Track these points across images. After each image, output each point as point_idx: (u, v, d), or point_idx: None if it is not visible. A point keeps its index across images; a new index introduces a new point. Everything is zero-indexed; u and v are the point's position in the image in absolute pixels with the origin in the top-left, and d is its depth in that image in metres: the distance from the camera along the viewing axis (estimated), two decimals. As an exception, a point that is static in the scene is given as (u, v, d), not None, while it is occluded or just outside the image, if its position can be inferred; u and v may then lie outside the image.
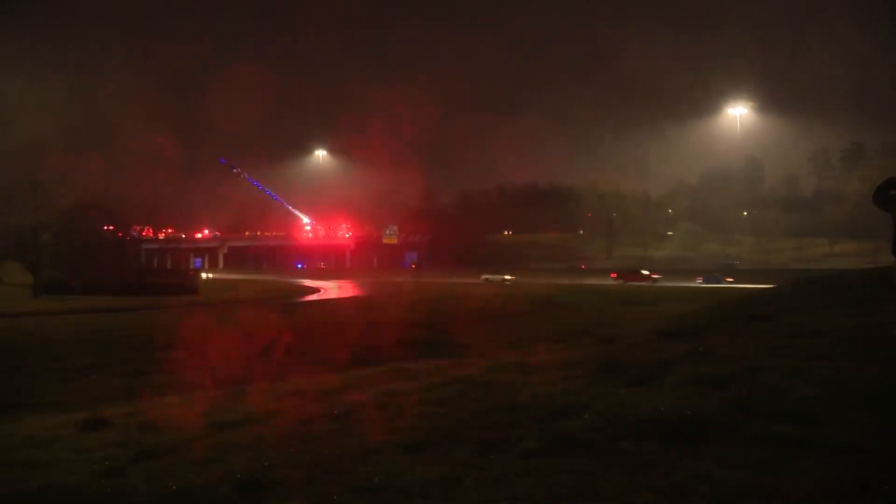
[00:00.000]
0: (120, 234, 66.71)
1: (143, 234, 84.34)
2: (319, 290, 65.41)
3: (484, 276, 78.32)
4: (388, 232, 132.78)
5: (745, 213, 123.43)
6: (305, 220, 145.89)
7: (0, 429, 10.00)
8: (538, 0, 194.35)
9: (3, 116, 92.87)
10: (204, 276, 72.77)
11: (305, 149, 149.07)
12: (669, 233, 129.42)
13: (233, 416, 9.04)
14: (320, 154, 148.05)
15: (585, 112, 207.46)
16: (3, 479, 6.70)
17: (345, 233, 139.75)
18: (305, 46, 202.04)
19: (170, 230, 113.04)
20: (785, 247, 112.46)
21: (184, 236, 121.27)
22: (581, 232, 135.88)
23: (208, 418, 8.98)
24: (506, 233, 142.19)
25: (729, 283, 62.42)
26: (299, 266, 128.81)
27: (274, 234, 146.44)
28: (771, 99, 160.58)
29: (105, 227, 64.76)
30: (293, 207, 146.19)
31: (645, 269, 77.89)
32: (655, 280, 71.48)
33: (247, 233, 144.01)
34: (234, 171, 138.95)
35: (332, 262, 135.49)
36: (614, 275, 73.53)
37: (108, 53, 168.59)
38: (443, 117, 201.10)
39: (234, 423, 8.56)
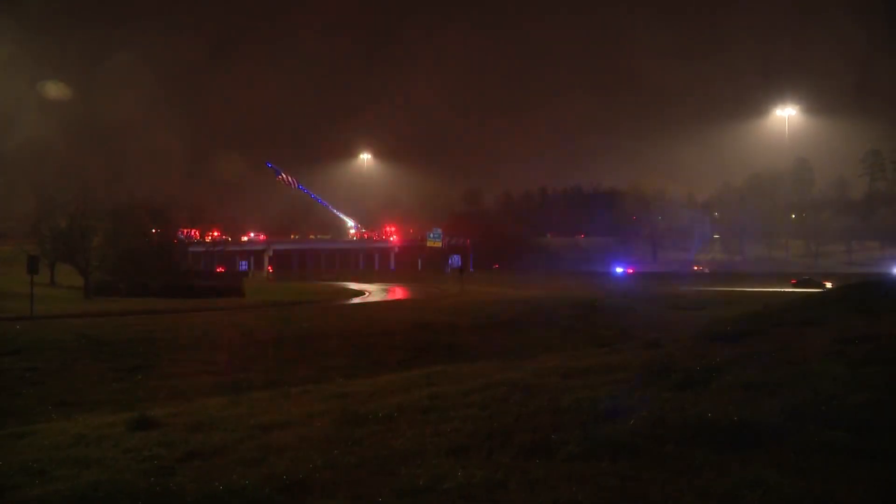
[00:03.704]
0: (167, 237, 67.62)
1: (191, 236, 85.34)
2: (365, 294, 65.77)
3: None
4: (431, 235, 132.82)
5: (794, 216, 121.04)
6: (350, 223, 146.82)
7: (52, 427, 10.20)
8: (577, 6, 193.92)
9: (48, 120, 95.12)
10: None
11: (350, 152, 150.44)
12: (716, 235, 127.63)
13: (277, 417, 9.11)
14: (365, 157, 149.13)
15: (630, 115, 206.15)
16: (55, 476, 6.84)
17: (389, 236, 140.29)
18: (349, 52, 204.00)
19: (216, 233, 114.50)
20: (835, 250, 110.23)
21: (230, 239, 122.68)
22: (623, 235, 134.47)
23: (253, 420, 9.06)
24: (548, 235, 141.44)
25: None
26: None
27: (319, 236, 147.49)
28: (820, 100, 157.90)
29: (153, 230, 65.76)
30: (338, 211, 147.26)
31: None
32: None
33: (293, 236, 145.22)
34: (280, 178, 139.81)
35: (375, 265, 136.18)
36: None
37: (155, 56, 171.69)
38: (486, 121, 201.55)
39: (278, 424, 8.63)
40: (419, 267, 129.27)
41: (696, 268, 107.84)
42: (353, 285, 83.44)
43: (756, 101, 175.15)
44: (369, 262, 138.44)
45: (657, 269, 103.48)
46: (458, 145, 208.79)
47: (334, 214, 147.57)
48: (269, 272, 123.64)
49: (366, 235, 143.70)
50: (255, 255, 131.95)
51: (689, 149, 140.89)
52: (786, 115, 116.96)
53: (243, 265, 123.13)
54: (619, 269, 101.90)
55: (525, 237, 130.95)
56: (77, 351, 20.97)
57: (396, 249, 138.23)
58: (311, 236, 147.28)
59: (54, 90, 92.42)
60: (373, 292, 67.92)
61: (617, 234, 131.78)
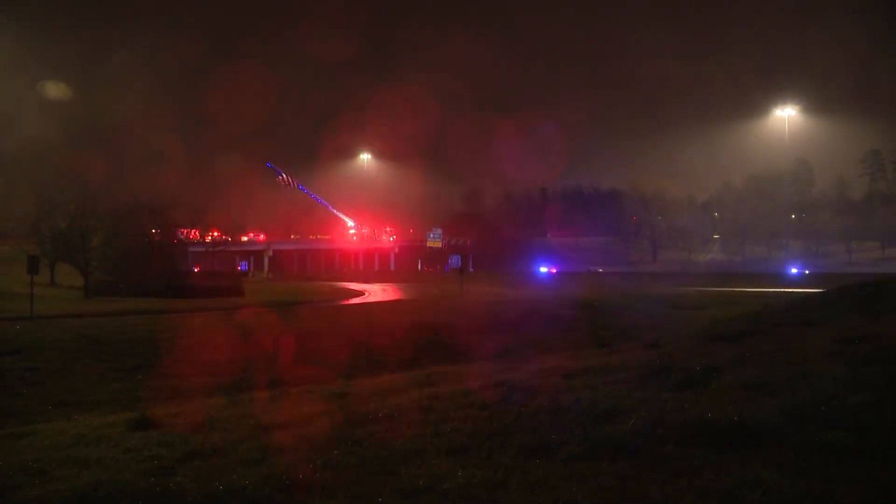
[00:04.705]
0: (167, 237, 67.57)
1: (190, 236, 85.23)
2: (364, 294, 65.74)
3: None
4: (431, 235, 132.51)
5: (794, 216, 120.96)
6: (350, 223, 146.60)
7: (52, 427, 10.20)
8: (577, 6, 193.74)
9: (48, 120, 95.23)
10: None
11: (350, 152, 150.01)
12: (716, 236, 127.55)
13: (277, 417, 9.11)
14: (364, 157, 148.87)
15: (630, 115, 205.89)
16: (55, 476, 6.84)
17: (389, 236, 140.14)
18: (349, 51, 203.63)
19: (216, 233, 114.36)
20: (835, 251, 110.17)
21: (230, 239, 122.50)
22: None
23: (253, 420, 9.06)
24: (548, 236, 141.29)
25: None
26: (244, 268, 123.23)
27: (319, 237, 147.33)
28: (820, 100, 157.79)
29: (153, 230, 65.72)
30: (338, 211, 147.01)
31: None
32: None
33: (292, 236, 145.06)
34: (280, 178, 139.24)
35: (375, 265, 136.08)
36: None
37: (155, 56, 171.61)
38: (486, 121, 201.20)
39: (278, 424, 8.62)
40: (419, 267, 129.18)
41: (590, 268, 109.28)
42: (353, 285, 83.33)
43: (756, 101, 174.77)
44: (369, 263, 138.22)
45: (574, 270, 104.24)
46: (458, 145, 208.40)
47: (334, 214, 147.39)
48: (266, 273, 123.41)
49: (365, 235, 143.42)
50: (255, 255, 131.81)
51: (689, 149, 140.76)
52: (786, 115, 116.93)
53: (243, 265, 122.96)
54: (543, 269, 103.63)
55: (526, 237, 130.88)
56: (77, 351, 20.97)
57: (396, 249, 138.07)
58: (311, 236, 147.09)
59: (54, 90, 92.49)
60: (373, 292, 67.84)
61: (617, 234, 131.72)
